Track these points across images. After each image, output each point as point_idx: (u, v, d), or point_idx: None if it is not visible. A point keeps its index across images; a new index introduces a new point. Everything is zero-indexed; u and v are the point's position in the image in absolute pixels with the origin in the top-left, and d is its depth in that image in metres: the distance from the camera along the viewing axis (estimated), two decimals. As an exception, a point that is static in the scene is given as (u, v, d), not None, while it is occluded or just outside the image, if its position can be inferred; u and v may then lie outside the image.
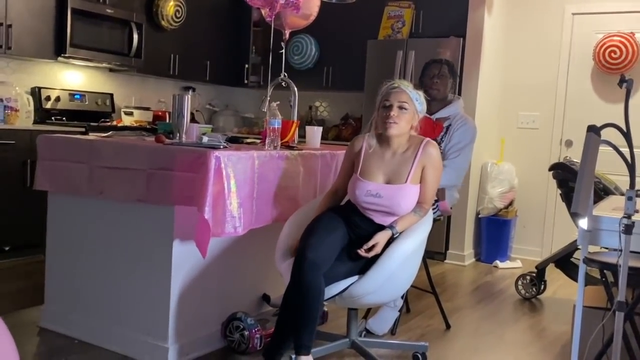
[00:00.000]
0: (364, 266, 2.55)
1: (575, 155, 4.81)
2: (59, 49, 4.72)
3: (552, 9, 5.36)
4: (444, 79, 3.51)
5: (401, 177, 2.63)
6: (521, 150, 5.50)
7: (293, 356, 2.44)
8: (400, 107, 2.62)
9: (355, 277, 2.53)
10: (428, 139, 2.72)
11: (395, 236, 2.58)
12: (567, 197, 3.92)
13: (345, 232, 2.63)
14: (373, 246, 2.53)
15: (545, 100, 5.42)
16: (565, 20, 5.32)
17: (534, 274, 4.20)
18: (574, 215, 2.79)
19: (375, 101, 2.74)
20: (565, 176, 3.86)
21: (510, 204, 5.34)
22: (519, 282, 4.24)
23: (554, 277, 4.51)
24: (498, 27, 5.35)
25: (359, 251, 2.52)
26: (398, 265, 2.53)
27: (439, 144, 3.44)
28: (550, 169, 4.01)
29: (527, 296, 4.20)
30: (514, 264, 5.16)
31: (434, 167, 2.66)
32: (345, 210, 2.72)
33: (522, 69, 5.49)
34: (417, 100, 2.66)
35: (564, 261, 4.08)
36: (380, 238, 2.54)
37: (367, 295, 2.52)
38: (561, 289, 4.48)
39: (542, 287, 4.21)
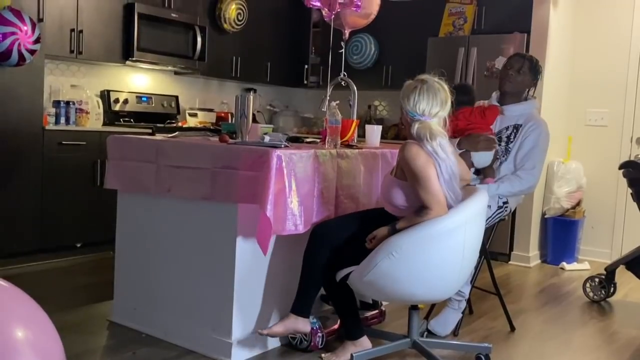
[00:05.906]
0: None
1: (647, 154, 4.61)
2: (126, 53, 4.88)
3: (621, 2, 5.16)
4: (521, 75, 3.32)
5: (392, 171, 2.72)
6: (589, 148, 5.31)
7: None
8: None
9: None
10: (408, 141, 2.56)
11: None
12: (639, 196, 3.78)
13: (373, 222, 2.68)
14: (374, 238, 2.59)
15: (615, 96, 5.21)
16: (636, 13, 5.10)
17: (603, 276, 4.05)
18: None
19: None
20: (636, 175, 3.73)
21: (578, 204, 5.17)
22: (587, 285, 4.10)
23: (625, 279, 4.33)
24: (564, 22, 5.18)
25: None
26: (383, 258, 2.42)
27: (500, 134, 3.32)
28: (620, 168, 3.88)
29: (596, 299, 4.05)
30: (581, 266, 4.99)
31: (407, 169, 2.50)
32: None
33: (590, 64, 5.30)
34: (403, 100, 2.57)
35: (636, 263, 3.91)
36: (378, 232, 2.56)
37: (365, 284, 2.53)
38: (632, 292, 4.31)
39: (612, 289, 4.06)
